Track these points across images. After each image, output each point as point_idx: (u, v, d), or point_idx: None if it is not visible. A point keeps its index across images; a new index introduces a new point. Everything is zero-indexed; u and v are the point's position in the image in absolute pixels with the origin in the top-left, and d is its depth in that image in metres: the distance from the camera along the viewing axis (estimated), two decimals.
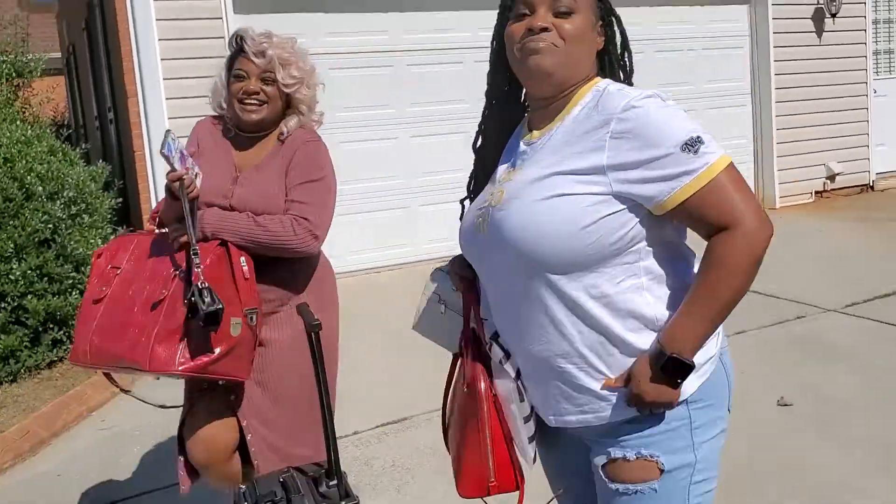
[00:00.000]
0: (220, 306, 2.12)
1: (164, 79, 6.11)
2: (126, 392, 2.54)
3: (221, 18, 6.25)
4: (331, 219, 2.50)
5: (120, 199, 5.88)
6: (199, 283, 2.13)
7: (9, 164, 4.82)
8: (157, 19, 6.07)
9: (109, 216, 5.49)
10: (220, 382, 2.35)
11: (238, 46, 2.50)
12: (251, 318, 2.32)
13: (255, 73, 2.45)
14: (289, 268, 2.50)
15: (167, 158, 2.25)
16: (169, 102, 6.11)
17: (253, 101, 2.46)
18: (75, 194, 5.04)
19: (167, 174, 2.28)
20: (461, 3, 7.12)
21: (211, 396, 2.46)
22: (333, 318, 2.64)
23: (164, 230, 2.42)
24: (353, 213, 6.75)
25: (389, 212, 7.12)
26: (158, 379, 3.48)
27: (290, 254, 2.43)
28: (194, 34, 6.16)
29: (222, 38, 6.21)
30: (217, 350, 2.20)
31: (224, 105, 2.58)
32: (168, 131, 2.28)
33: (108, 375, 2.43)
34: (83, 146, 7.04)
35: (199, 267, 2.16)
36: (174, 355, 2.16)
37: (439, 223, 6.93)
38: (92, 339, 2.25)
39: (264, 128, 2.53)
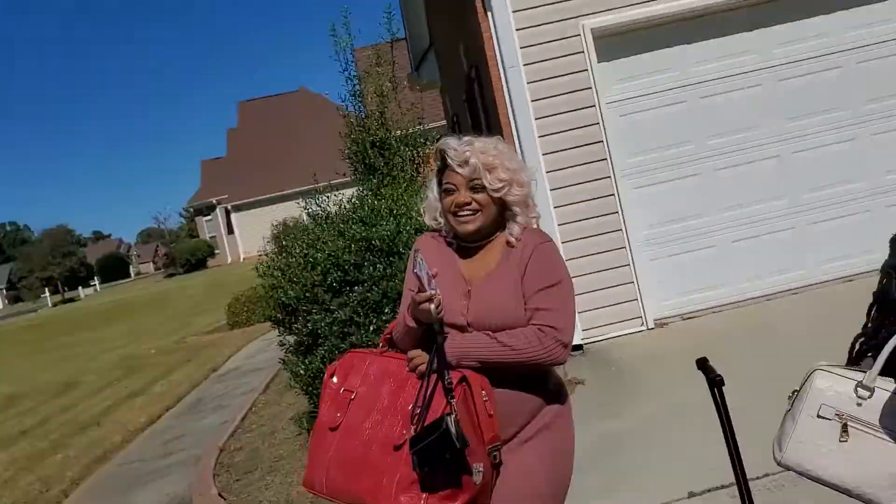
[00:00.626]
0: (467, 445, 2.05)
1: (538, 136, 6.54)
2: None
3: (587, 70, 6.54)
4: (574, 323, 2.36)
5: None
6: (451, 418, 2.05)
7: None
8: (527, 82, 6.53)
9: None
10: None
11: (442, 160, 2.46)
12: (495, 457, 2.20)
13: (462, 184, 2.39)
14: (529, 382, 2.35)
15: (420, 279, 2.20)
16: (544, 157, 6.52)
17: (466, 212, 2.40)
18: None
19: (415, 295, 2.26)
20: (830, 5, 6.74)
21: None
22: (571, 439, 2.48)
23: (395, 352, 2.41)
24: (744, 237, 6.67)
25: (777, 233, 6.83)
26: None
27: (538, 368, 2.32)
28: (561, 90, 6.54)
29: (589, 88, 6.52)
30: (459, 501, 2.09)
31: (439, 218, 2.53)
32: (416, 250, 2.31)
33: None
34: None
35: (452, 398, 2.11)
36: None
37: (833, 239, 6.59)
38: (328, 471, 2.27)
39: (484, 236, 2.45)
